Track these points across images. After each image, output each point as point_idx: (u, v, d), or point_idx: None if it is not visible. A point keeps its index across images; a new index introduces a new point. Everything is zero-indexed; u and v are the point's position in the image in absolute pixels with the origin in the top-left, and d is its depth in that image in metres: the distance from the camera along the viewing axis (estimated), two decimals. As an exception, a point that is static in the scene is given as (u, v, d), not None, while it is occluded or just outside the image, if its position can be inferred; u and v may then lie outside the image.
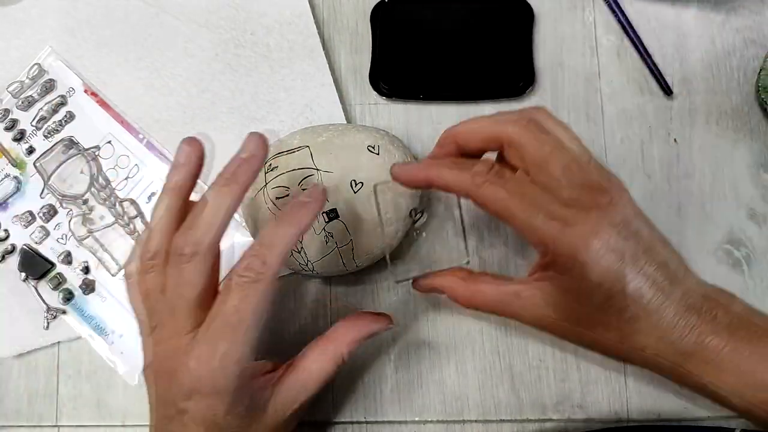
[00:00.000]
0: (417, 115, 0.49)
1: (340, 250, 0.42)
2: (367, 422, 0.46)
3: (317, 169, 0.42)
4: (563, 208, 0.32)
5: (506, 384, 0.46)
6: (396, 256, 0.46)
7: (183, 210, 0.36)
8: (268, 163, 0.43)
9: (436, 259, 0.46)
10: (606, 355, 0.35)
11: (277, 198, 0.42)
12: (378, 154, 0.42)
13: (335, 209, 0.42)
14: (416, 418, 0.46)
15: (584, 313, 0.33)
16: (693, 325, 0.32)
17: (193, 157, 0.36)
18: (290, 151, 0.42)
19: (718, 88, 0.48)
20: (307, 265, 0.43)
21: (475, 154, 0.37)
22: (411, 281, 0.41)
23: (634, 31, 0.48)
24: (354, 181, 0.41)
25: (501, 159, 0.36)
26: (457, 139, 0.37)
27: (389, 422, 0.46)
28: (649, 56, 0.48)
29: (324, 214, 0.41)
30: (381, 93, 0.49)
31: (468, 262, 0.42)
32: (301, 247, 0.42)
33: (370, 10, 0.49)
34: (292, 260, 0.43)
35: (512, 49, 0.48)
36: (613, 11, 0.48)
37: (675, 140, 0.47)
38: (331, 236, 0.42)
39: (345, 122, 0.49)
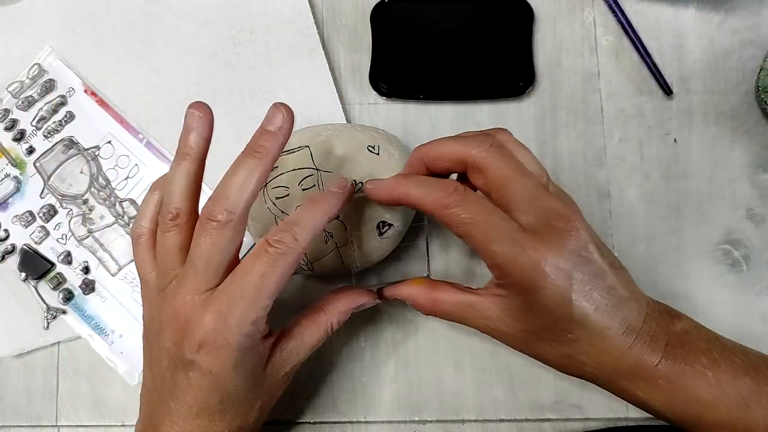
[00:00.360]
0: (416, 115, 0.49)
1: (340, 250, 0.42)
2: (366, 422, 0.46)
3: (317, 169, 0.42)
4: (520, 233, 0.34)
5: (504, 383, 0.46)
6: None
7: (200, 174, 0.37)
8: None
9: (401, 269, 0.47)
10: (550, 366, 0.38)
11: (277, 198, 0.42)
12: (378, 154, 0.42)
13: None
14: (415, 418, 0.46)
15: (532, 330, 0.36)
16: (629, 346, 0.34)
17: (204, 120, 0.37)
18: (290, 151, 0.42)
19: (716, 89, 0.48)
20: (307, 265, 0.43)
21: (442, 174, 0.38)
22: (376, 290, 0.41)
23: (634, 32, 0.48)
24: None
25: (465, 178, 0.37)
26: (424, 160, 0.38)
27: (389, 422, 0.46)
28: (649, 56, 0.48)
29: None
30: (380, 93, 0.49)
31: (428, 275, 0.42)
32: None
33: (370, 10, 0.49)
34: None
35: (512, 49, 0.49)
36: (613, 11, 0.49)
37: (674, 140, 0.47)
38: (331, 236, 0.42)
39: (344, 122, 0.49)
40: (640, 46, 0.48)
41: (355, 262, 0.43)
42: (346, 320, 0.40)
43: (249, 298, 0.34)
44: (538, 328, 0.35)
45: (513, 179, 0.35)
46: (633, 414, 0.45)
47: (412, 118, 0.49)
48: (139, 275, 0.39)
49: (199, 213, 0.36)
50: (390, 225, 0.42)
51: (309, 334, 0.39)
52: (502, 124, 0.48)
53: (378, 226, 0.42)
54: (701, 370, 0.34)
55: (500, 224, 0.34)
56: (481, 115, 0.49)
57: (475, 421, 0.45)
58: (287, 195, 0.42)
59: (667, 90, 0.48)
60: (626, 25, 0.48)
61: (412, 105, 0.49)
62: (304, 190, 0.41)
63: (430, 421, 0.46)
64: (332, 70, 0.50)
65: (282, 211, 0.42)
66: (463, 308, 0.38)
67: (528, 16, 0.49)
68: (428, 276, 0.42)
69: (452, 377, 0.46)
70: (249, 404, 0.37)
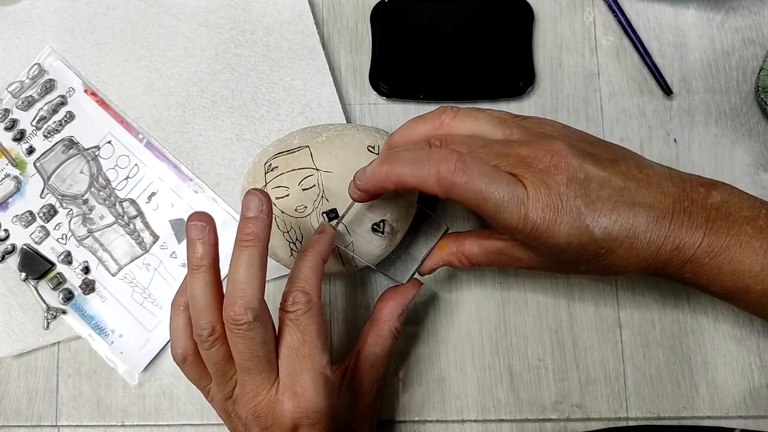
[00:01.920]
0: (416, 115, 0.49)
1: (340, 250, 0.42)
2: (366, 422, 0.46)
3: (317, 169, 0.42)
4: (521, 189, 0.34)
5: (505, 384, 0.46)
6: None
7: (219, 280, 0.37)
8: (268, 164, 0.43)
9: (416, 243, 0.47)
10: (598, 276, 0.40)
11: (277, 198, 0.42)
12: (377, 153, 0.42)
13: (335, 209, 0.42)
14: (416, 418, 0.46)
15: (566, 261, 0.36)
16: (666, 235, 0.34)
17: (208, 228, 0.36)
18: (290, 151, 0.42)
19: (717, 88, 0.48)
20: None
21: None
22: (415, 273, 0.43)
23: (634, 31, 0.48)
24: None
25: None
26: (393, 147, 0.40)
27: (389, 422, 0.46)
28: (649, 56, 0.48)
29: (324, 215, 0.42)
30: (381, 93, 0.49)
31: (447, 229, 0.43)
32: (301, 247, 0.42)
33: (370, 10, 0.49)
34: (292, 260, 0.43)
35: (512, 49, 0.48)
36: (613, 11, 0.48)
37: (674, 140, 0.47)
38: None
39: (345, 122, 0.49)
40: (640, 46, 0.48)
41: (354, 262, 0.43)
42: (404, 316, 0.42)
43: (307, 367, 0.36)
44: (571, 258, 0.36)
45: (475, 152, 0.35)
46: (633, 414, 0.45)
47: (412, 119, 0.49)
48: (199, 389, 0.40)
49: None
50: (385, 222, 0.42)
51: (381, 349, 0.41)
52: (503, 124, 0.48)
53: (375, 226, 0.42)
54: (747, 240, 0.34)
55: (505, 190, 0.33)
56: (482, 115, 0.49)
57: (476, 421, 0.45)
58: (287, 195, 0.42)
59: (667, 90, 0.48)
60: (626, 25, 0.48)
61: (412, 105, 0.49)
62: (304, 190, 0.41)
63: (431, 421, 0.46)
64: (332, 70, 0.49)
65: (282, 211, 0.42)
66: (493, 256, 0.39)
67: (528, 16, 0.49)
68: (447, 230, 0.43)
69: (453, 377, 0.46)
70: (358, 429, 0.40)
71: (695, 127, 0.47)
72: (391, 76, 0.49)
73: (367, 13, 0.49)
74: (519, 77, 0.48)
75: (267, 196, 0.36)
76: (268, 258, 0.36)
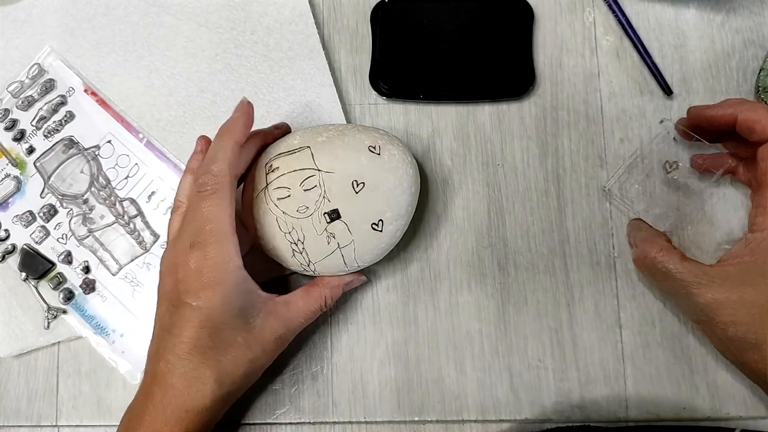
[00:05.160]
0: (417, 116, 0.49)
1: (342, 250, 0.42)
2: (366, 422, 0.46)
3: (318, 170, 0.42)
4: None
5: (505, 384, 0.46)
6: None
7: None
8: (269, 164, 0.43)
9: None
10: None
11: (278, 199, 0.42)
12: (379, 154, 0.42)
13: (337, 210, 0.41)
14: (416, 418, 0.46)
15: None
16: None
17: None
18: (291, 152, 0.42)
19: (717, 89, 0.48)
20: (308, 265, 0.43)
21: (712, 131, 0.43)
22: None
23: (634, 32, 0.48)
24: (356, 181, 0.41)
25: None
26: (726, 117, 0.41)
27: (389, 422, 0.46)
28: (649, 56, 0.48)
29: (326, 215, 0.41)
30: (381, 93, 0.49)
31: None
32: (303, 248, 0.42)
33: (370, 10, 0.49)
34: (293, 261, 0.43)
35: (512, 49, 0.48)
36: (613, 11, 0.48)
37: (674, 139, 0.47)
38: (333, 237, 0.42)
39: (345, 122, 0.49)
40: (640, 47, 0.48)
41: (356, 261, 0.43)
42: (339, 296, 0.44)
43: (211, 241, 0.38)
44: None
45: None
46: (633, 414, 0.45)
47: (413, 119, 0.49)
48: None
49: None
50: (384, 222, 0.42)
51: (304, 303, 0.42)
52: (504, 124, 0.48)
53: (374, 225, 0.42)
54: None
55: None
56: (483, 115, 0.49)
57: (476, 421, 0.45)
58: (288, 196, 0.42)
59: (667, 90, 0.48)
60: (626, 26, 0.48)
61: (412, 105, 0.49)
62: (305, 191, 0.41)
63: (431, 422, 0.46)
64: (333, 70, 0.50)
65: (284, 212, 0.42)
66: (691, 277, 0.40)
67: (528, 17, 0.49)
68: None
69: (453, 377, 0.46)
70: (240, 350, 0.39)
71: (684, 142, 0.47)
72: (391, 76, 0.49)
73: (367, 13, 0.50)
74: (519, 77, 0.48)
75: (250, 105, 0.43)
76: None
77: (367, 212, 0.42)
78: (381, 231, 0.42)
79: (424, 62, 0.49)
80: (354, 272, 0.45)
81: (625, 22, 0.48)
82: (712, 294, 0.38)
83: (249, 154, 0.43)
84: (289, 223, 0.42)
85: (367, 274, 0.47)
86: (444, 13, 0.49)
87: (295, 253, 0.42)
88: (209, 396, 0.38)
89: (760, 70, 0.46)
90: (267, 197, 0.42)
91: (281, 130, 0.46)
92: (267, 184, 0.42)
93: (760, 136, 0.40)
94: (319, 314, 0.44)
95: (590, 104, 0.48)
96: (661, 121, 0.46)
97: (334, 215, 0.41)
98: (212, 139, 0.43)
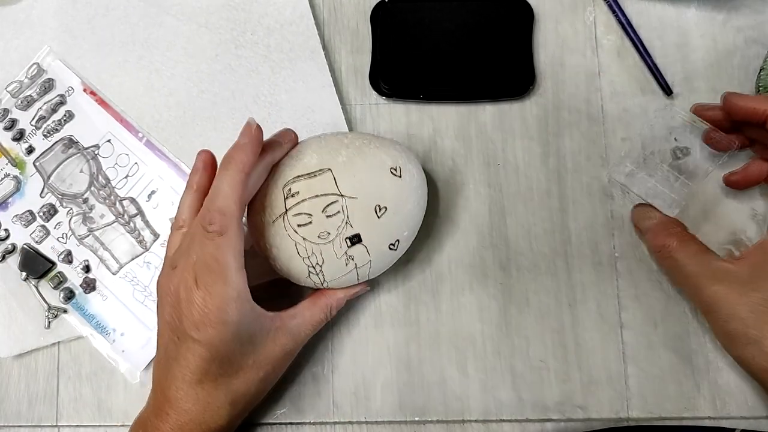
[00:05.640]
0: (418, 116, 0.49)
1: (358, 269, 0.42)
2: (367, 422, 0.46)
3: (342, 195, 0.40)
4: None
5: (507, 384, 0.45)
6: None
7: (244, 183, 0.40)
8: (287, 188, 0.41)
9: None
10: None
11: (299, 225, 0.40)
12: (400, 177, 0.42)
13: (359, 234, 0.41)
14: (416, 418, 0.46)
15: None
16: None
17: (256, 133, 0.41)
18: (311, 175, 0.41)
19: (719, 88, 0.48)
20: (322, 284, 0.42)
21: (737, 123, 0.43)
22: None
23: (635, 31, 0.48)
24: (378, 206, 0.41)
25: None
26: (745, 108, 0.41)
27: (389, 422, 0.46)
28: (650, 56, 0.48)
29: (347, 240, 0.40)
30: (381, 93, 0.49)
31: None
32: (320, 270, 0.41)
33: (370, 10, 0.49)
34: (307, 280, 0.42)
35: (512, 49, 0.48)
36: (614, 11, 0.48)
37: (675, 139, 0.47)
38: (352, 259, 0.41)
39: (345, 125, 0.48)
40: (640, 46, 0.48)
41: (368, 276, 0.43)
42: (342, 305, 0.44)
43: (218, 280, 0.37)
44: None
45: None
46: (635, 414, 0.44)
47: (413, 119, 0.49)
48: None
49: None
50: (400, 241, 0.42)
51: (310, 314, 0.42)
52: (506, 124, 0.48)
53: (391, 245, 0.42)
54: None
55: None
56: (484, 115, 0.49)
57: (477, 421, 0.45)
58: (310, 222, 0.40)
59: (666, 90, 0.47)
60: (626, 25, 0.48)
61: (413, 105, 0.49)
62: (328, 216, 0.40)
63: (432, 422, 0.46)
64: (333, 71, 0.49)
65: (304, 238, 0.40)
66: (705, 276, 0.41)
67: (528, 16, 0.49)
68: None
69: (455, 378, 0.46)
70: (250, 371, 0.40)
71: (697, 127, 0.47)
72: (392, 76, 0.48)
73: (367, 13, 0.49)
74: (520, 77, 0.48)
75: (259, 130, 0.40)
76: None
77: (386, 234, 0.41)
78: (396, 250, 0.42)
79: (425, 62, 0.48)
80: (357, 284, 0.44)
81: (625, 22, 0.48)
82: (716, 288, 0.39)
83: (259, 177, 0.41)
84: (309, 249, 0.41)
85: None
86: (444, 12, 0.49)
87: (311, 274, 0.42)
88: (225, 417, 0.39)
89: (761, 69, 0.46)
90: (286, 223, 0.41)
91: (291, 143, 0.43)
92: (286, 210, 0.41)
93: None
94: (324, 324, 0.44)
95: (591, 104, 0.48)
96: (664, 108, 0.46)
97: (355, 240, 0.41)
98: (213, 155, 0.42)
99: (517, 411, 0.45)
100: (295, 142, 0.44)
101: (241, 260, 0.38)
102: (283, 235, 0.41)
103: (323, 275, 0.42)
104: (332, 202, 0.40)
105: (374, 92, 0.49)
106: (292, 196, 0.40)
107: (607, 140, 0.48)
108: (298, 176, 0.41)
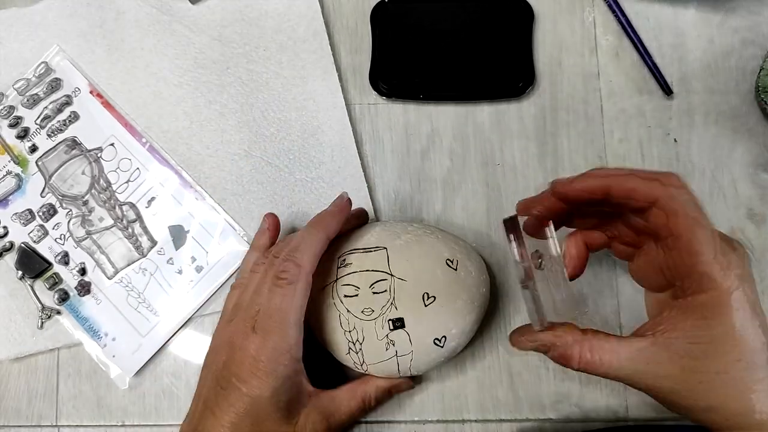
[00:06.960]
0: (417, 115, 0.49)
1: (399, 358, 0.41)
2: (367, 422, 0.46)
3: (391, 275, 0.40)
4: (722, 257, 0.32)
5: (505, 383, 0.45)
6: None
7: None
8: (342, 258, 0.42)
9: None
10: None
11: (345, 296, 0.41)
12: (455, 269, 0.41)
13: (402, 319, 0.40)
14: (415, 418, 0.46)
15: (710, 370, 0.32)
16: None
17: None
18: (366, 250, 0.41)
19: (716, 88, 0.48)
20: (362, 365, 0.41)
21: (576, 203, 0.35)
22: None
23: (634, 31, 0.48)
24: (427, 294, 0.40)
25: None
26: (599, 188, 0.34)
27: (389, 422, 0.46)
28: (649, 56, 0.48)
29: (390, 322, 0.40)
30: (381, 93, 0.49)
31: (588, 311, 0.42)
32: (360, 349, 0.41)
33: (370, 10, 0.50)
34: (347, 357, 0.41)
35: (512, 49, 0.49)
36: (613, 11, 0.49)
37: (674, 140, 0.47)
38: (393, 344, 0.40)
39: (355, 152, 0.48)
40: (639, 46, 0.48)
41: (410, 370, 0.41)
42: (384, 399, 0.43)
43: (276, 331, 0.37)
44: (719, 366, 0.32)
45: (702, 225, 0.32)
46: (633, 414, 0.44)
47: (412, 119, 0.49)
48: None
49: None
50: (447, 338, 0.40)
51: (347, 402, 0.42)
52: (503, 124, 0.48)
53: (437, 340, 0.41)
54: None
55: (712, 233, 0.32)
56: (482, 115, 0.49)
57: (476, 421, 0.45)
58: (356, 295, 0.40)
59: (666, 90, 0.48)
60: (626, 25, 0.48)
61: (412, 105, 0.49)
62: (374, 293, 0.40)
63: (431, 421, 0.46)
64: (332, 71, 0.50)
65: (347, 310, 0.40)
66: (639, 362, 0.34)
67: (528, 16, 0.49)
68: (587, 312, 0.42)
69: (453, 377, 0.46)
70: None
71: (695, 127, 0.47)
72: (391, 76, 0.49)
73: (367, 13, 0.50)
74: (519, 77, 0.48)
75: (349, 203, 0.42)
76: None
77: (432, 327, 0.40)
78: (442, 347, 0.41)
79: (424, 62, 0.49)
80: (401, 379, 0.43)
81: (624, 22, 0.48)
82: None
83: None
84: (351, 323, 0.40)
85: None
86: (444, 13, 0.49)
87: (351, 351, 0.41)
88: None
89: (760, 69, 0.46)
90: (334, 291, 0.41)
91: (360, 221, 0.45)
92: (336, 279, 0.41)
93: (643, 200, 0.33)
94: (363, 415, 0.43)
95: (590, 104, 0.48)
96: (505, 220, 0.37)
97: (398, 324, 0.40)
98: (278, 218, 0.45)
99: (515, 410, 0.45)
100: (365, 221, 0.46)
101: (301, 316, 0.38)
102: (329, 304, 0.41)
103: (363, 354, 0.41)
104: (381, 279, 0.40)
105: (373, 92, 0.49)
106: (345, 266, 0.41)
107: (605, 140, 0.48)
108: (355, 249, 0.42)
